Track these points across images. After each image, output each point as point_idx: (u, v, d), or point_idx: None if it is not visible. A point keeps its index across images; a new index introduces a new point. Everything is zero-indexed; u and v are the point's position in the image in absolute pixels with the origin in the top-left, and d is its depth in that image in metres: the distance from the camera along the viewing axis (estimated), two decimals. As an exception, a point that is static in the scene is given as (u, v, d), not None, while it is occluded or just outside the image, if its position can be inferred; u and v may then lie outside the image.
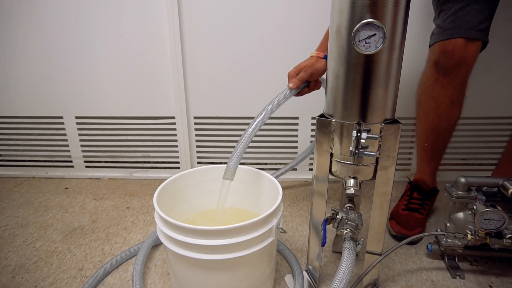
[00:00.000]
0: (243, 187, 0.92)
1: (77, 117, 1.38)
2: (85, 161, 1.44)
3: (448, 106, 0.99)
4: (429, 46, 0.99)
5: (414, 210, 1.04)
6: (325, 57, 0.85)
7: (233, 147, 1.38)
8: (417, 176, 1.12)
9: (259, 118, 0.79)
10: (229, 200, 0.93)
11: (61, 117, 1.39)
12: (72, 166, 1.45)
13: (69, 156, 1.44)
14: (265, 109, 0.80)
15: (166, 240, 0.71)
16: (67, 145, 1.42)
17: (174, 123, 1.36)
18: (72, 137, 1.41)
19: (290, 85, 0.84)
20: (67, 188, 1.36)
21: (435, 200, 1.14)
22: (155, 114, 1.36)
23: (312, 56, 0.87)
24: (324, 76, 0.90)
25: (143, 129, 1.39)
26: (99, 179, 1.43)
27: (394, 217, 1.04)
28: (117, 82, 1.33)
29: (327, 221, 0.71)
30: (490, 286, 0.84)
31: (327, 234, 1.05)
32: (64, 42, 1.28)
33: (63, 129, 1.40)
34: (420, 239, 1.00)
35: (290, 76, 0.86)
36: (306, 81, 0.86)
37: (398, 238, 0.99)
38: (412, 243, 0.99)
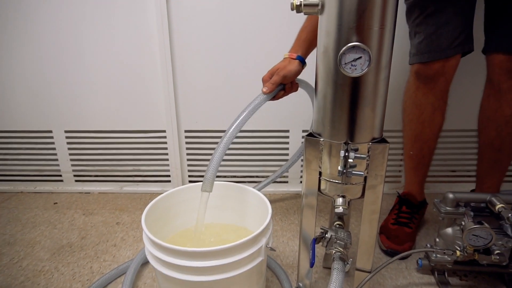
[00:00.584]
0: (231, 204, 0.91)
1: (66, 131, 1.37)
2: (74, 175, 1.43)
3: (430, 112, 1.00)
4: (409, 64, 1.01)
5: (403, 224, 1.04)
6: (298, 58, 0.84)
7: (224, 160, 1.38)
8: (406, 189, 1.13)
9: (234, 126, 0.78)
10: (219, 217, 0.93)
11: (51, 131, 1.37)
12: (61, 180, 1.44)
13: (59, 170, 1.42)
14: (239, 117, 0.79)
15: (155, 262, 0.70)
16: (56, 159, 1.41)
17: (164, 137, 1.36)
18: (61, 151, 1.40)
19: (264, 89, 0.83)
20: (56, 203, 1.34)
21: (425, 212, 1.15)
22: (146, 128, 1.35)
23: (285, 58, 0.86)
24: (302, 77, 0.89)
25: (134, 143, 1.38)
26: (89, 193, 1.42)
27: (384, 231, 1.04)
28: (107, 96, 1.32)
29: (316, 241, 0.71)
30: (480, 302, 0.84)
31: (316, 250, 1.05)
32: (54, 56, 1.28)
33: (52, 143, 1.39)
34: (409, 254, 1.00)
35: (264, 81, 0.85)
36: (281, 84, 0.85)
37: (389, 253, 0.99)
38: (402, 258, 0.99)
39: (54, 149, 1.39)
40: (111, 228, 1.17)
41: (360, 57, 0.58)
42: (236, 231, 0.92)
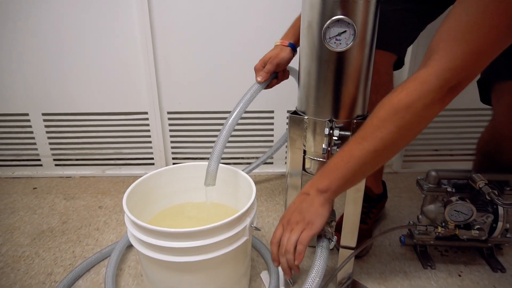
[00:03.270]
0: (219, 184, 0.90)
1: (44, 114, 1.32)
2: (54, 159, 1.39)
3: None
4: None
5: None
6: (290, 45, 0.83)
7: (208, 142, 1.36)
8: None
9: (233, 117, 0.77)
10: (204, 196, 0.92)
11: (27, 114, 1.32)
12: (40, 165, 1.40)
13: (37, 155, 1.38)
14: (237, 107, 0.78)
15: (137, 243, 0.69)
16: (34, 143, 1.36)
17: (147, 119, 1.32)
18: (39, 134, 1.35)
19: (258, 79, 0.82)
20: (36, 188, 1.30)
21: (384, 207, 1.10)
22: (127, 110, 1.32)
23: (276, 45, 0.84)
24: (291, 65, 0.88)
25: (115, 125, 1.34)
26: (70, 177, 1.38)
27: (338, 228, 0.83)
28: (87, 78, 1.27)
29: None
30: (459, 275, 0.87)
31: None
32: (31, 36, 1.21)
33: (29, 126, 1.34)
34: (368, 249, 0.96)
35: (256, 70, 0.84)
36: (274, 73, 0.84)
37: None
38: (357, 256, 0.92)
39: (31, 132, 1.35)
40: (93, 212, 1.14)
41: (345, 31, 0.57)
42: (222, 211, 0.91)
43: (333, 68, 0.61)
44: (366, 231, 0.96)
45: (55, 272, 0.89)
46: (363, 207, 0.98)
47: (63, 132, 1.35)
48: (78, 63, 1.25)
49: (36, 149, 1.37)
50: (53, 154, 1.38)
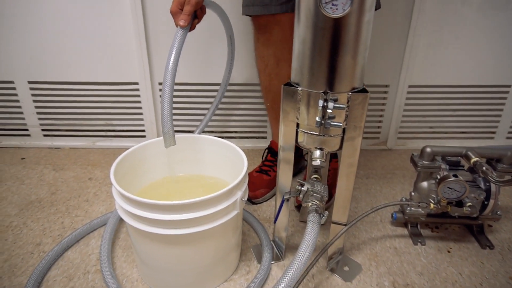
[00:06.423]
0: (207, 157, 0.89)
1: (30, 82, 1.28)
2: (42, 130, 1.36)
3: (274, 64, 0.95)
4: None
5: (263, 172, 1.06)
6: None
7: (200, 114, 1.33)
8: (272, 139, 1.14)
9: (169, 72, 0.75)
10: (194, 169, 0.90)
11: (12, 82, 1.28)
12: (28, 135, 1.36)
13: (25, 124, 1.35)
14: (168, 62, 0.75)
15: (125, 216, 0.68)
16: (21, 112, 1.32)
17: (137, 89, 1.29)
18: (26, 103, 1.31)
19: (181, 23, 0.76)
20: (24, 158, 1.28)
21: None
22: (117, 80, 1.28)
23: None
24: None
25: (105, 95, 1.30)
26: (59, 148, 1.36)
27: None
28: (75, 46, 1.22)
29: (288, 197, 0.70)
30: (449, 251, 0.87)
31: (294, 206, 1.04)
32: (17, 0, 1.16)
33: (15, 94, 1.29)
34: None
35: (174, 13, 0.77)
36: (194, 12, 0.78)
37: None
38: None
39: (17, 101, 1.30)
40: (83, 184, 1.13)
41: (343, -4, 0.53)
42: (212, 184, 0.90)
43: (329, 36, 0.58)
44: (266, 182, 1.04)
45: (44, 243, 0.88)
46: (270, 161, 1.06)
47: (51, 101, 1.31)
48: (66, 31, 1.20)
49: (23, 118, 1.34)
50: (41, 124, 1.35)
